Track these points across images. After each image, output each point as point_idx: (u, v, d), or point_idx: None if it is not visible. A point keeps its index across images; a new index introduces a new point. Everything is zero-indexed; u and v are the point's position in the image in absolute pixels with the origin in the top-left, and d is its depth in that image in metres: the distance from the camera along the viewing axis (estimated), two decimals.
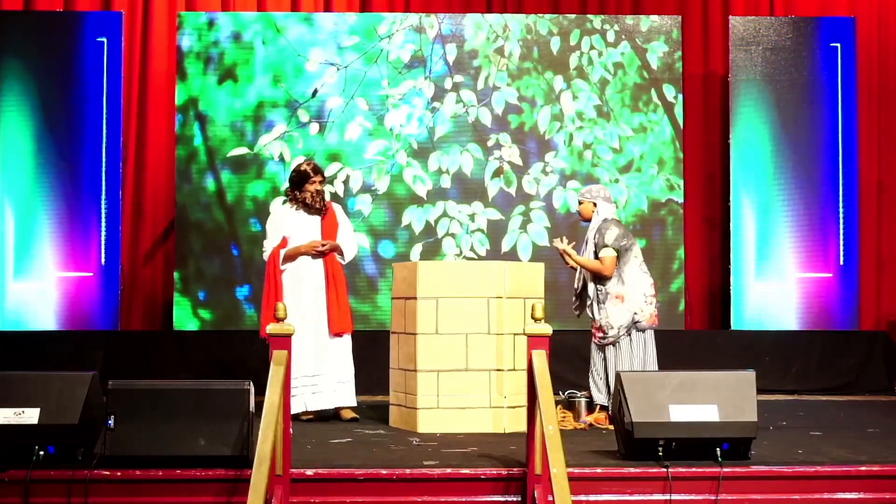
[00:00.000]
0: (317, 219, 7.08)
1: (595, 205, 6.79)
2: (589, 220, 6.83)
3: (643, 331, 6.63)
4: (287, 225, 7.06)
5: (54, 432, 4.82)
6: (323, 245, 6.98)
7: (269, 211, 9.23)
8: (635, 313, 6.61)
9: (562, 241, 6.86)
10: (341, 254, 7.11)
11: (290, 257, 6.99)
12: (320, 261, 7.02)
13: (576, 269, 6.86)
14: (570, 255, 6.77)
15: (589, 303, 6.75)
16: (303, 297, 6.96)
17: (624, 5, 10.25)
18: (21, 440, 4.81)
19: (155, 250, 9.83)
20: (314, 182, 7.05)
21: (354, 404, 7.08)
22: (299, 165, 7.17)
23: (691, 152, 9.95)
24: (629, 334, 6.61)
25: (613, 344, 6.63)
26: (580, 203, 6.89)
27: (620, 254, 6.65)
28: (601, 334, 6.69)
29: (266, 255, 7.07)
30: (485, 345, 6.50)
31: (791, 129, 9.71)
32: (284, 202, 7.23)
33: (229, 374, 8.33)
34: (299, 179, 7.07)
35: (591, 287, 6.73)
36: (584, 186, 7.39)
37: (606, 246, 6.63)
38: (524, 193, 9.62)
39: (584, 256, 6.77)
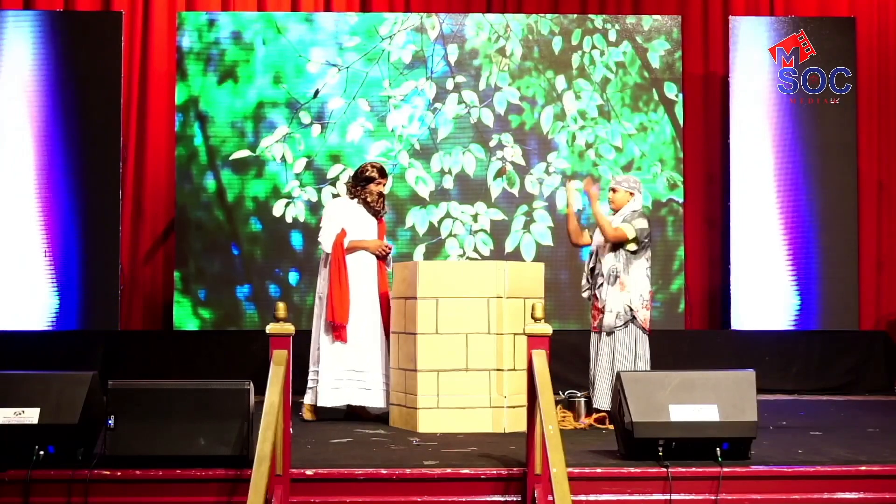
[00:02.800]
0: (374, 220, 7.17)
1: (631, 195, 6.76)
2: (616, 210, 6.79)
3: (638, 330, 6.61)
4: (346, 217, 7.12)
5: (54, 432, 4.83)
6: (389, 248, 7.12)
7: (272, 211, 9.32)
8: (632, 308, 6.56)
9: (595, 185, 6.86)
10: (389, 262, 7.23)
11: (352, 250, 7.06)
12: (375, 262, 7.10)
13: (590, 241, 6.83)
14: (595, 202, 6.73)
15: (600, 283, 6.67)
16: (359, 292, 7.03)
17: (624, 5, 10.25)
18: (21, 440, 4.81)
19: (155, 250, 9.83)
20: (380, 184, 7.15)
21: (384, 406, 7.13)
22: (366, 165, 7.27)
23: (691, 152, 9.95)
24: (626, 326, 6.58)
25: (609, 334, 6.60)
26: (614, 191, 6.80)
27: (638, 246, 6.61)
28: (600, 317, 6.65)
29: (325, 243, 7.09)
30: (485, 345, 6.50)
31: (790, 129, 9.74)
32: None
33: (229, 374, 8.33)
34: (365, 178, 7.15)
35: (606, 266, 6.65)
36: (621, 175, 7.38)
37: (629, 224, 6.59)
38: (527, 193, 9.61)
39: (601, 238, 6.73)
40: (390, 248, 7.16)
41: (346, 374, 6.96)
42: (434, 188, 9.57)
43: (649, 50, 9.71)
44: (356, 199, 7.17)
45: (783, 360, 9.38)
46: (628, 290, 6.59)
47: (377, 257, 7.10)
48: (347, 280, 6.98)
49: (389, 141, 9.56)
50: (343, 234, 7.06)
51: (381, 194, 7.17)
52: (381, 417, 6.99)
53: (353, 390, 6.98)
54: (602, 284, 6.66)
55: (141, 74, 9.85)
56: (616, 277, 6.61)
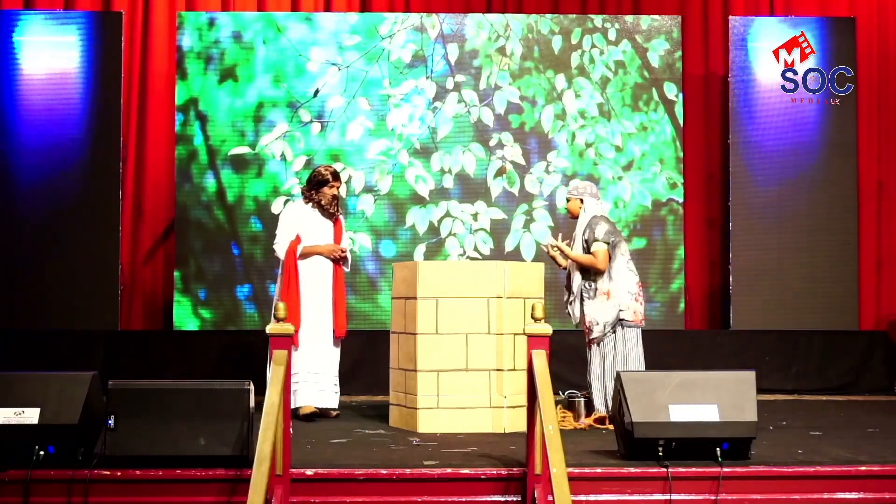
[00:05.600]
0: (329, 223, 7.19)
1: (582, 201, 6.84)
2: (576, 217, 6.87)
3: (627, 328, 6.63)
4: (301, 223, 7.16)
5: (54, 432, 4.83)
6: (343, 251, 7.11)
7: (272, 210, 9.31)
8: (621, 310, 6.61)
9: (554, 239, 6.88)
10: (347, 263, 7.23)
11: (306, 255, 7.08)
12: (331, 264, 7.12)
13: (565, 269, 6.87)
14: (562, 251, 6.78)
15: (572, 299, 6.76)
16: (313, 296, 7.04)
17: (624, 5, 10.24)
18: (21, 440, 4.81)
19: (155, 250, 9.83)
20: (333, 187, 7.19)
21: (337, 407, 7.18)
22: (319, 169, 7.29)
23: (691, 152, 9.95)
24: (614, 331, 6.62)
25: (599, 343, 6.64)
26: (567, 200, 6.95)
27: (609, 249, 6.67)
28: (588, 331, 6.70)
29: (280, 250, 7.13)
30: (485, 345, 6.50)
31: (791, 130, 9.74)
32: (286, 201, 7.24)
33: (229, 374, 8.33)
34: (319, 182, 7.20)
35: (576, 283, 6.74)
36: (573, 182, 7.39)
37: (597, 240, 6.65)
38: (526, 193, 9.62)
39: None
40: (344, 251, 7.15)
41: (303, 376, 6.94)
42: (434, 187, 9.57)
43: (649, 50, 9.70)
44: (311, 204, 7.21)
45: (783, 360, 9.38)
46: (614, 296, 6.64)
47: (332, 261, 7.12)
48: (297, 287, 7.00)
49: (389, 140, 9.56)
50: (297, 240, 7.09)
51: (335, 196, 7.20)
52: (381, 418, 6.98)
53: (311, 393, 6.98)
54: (578, 301, 6.73)
55: (141, 74, 9.84)
56: (595, 290, 6.66)
